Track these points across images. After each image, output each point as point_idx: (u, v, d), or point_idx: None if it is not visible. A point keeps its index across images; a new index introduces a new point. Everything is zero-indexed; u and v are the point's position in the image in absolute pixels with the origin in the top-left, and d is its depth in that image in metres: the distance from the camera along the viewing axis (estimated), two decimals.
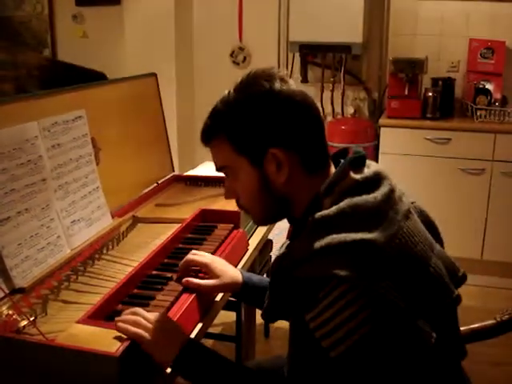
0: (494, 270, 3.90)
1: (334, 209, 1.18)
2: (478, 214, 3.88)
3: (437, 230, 1.36)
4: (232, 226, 2.03)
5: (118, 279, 1.60)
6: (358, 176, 1.23)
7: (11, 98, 1.74)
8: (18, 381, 1.27)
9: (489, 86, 4.00)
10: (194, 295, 1.54)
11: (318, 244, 1.15)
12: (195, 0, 4.60)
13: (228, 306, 2.52)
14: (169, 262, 1.75)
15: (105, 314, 1.42)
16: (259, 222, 1.44)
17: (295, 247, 1.22)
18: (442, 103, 3.99)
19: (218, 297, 1.70)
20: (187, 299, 1.52)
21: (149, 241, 1.90)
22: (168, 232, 1.92)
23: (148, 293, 1.55)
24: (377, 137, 4.07)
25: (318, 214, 1.19)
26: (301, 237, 1.21)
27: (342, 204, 1.18)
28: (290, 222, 1.37)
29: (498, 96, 3.98)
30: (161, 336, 1.31)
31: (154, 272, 1.68)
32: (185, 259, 1.64)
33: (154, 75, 2.50)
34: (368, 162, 1.30)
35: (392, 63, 3.98)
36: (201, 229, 2.01)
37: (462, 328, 1.60)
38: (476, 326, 1.76)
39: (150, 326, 1.32)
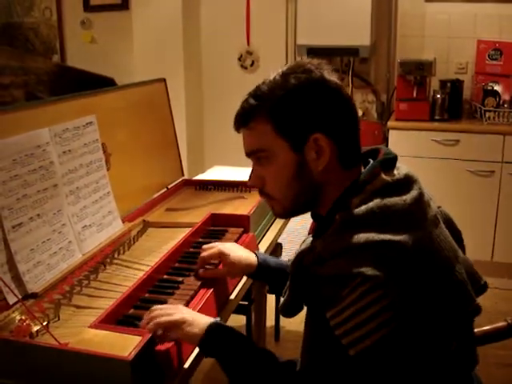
0: (505, 271, 3.89)
1: (363, 208, 1.18)
2: (488, 215, 3.87)
3: (460, 236, 1.35)
4: (242, 229, 2.04)
5: (129, 284, 1.60)
6: (388, 178, 1.23)
7: (22, 105, 1.76)
8: None
9: (497, 88, 3.98)
10: (205, 299, 1.55)
11: (344, 242, 1.15)
12: (203, 5, 4.61)
13: (238, 310, 2.52)
14: (179, 267, 1.76)
15: (117, 319, 1.43)
16: (282, 212, 1.35)
17: (320, 244, 1.21)
18: (450, 105, 3.99)
19: (233, 295, 1.77)
20: (198, 303, 1.53)
21: (159, 245, 1.92)
22: (178, 236, 1.93)
23: (159, 297, 1.56)
24: (385, 139, 4.07)
25: (347, 213, 1.19)
26: (327, 234, 1.21)
27: (372, 204, 1.18)
28: (313, 218, 1.38)
29: (506, 97, 3.96)
30: (187, 319, 1.34)
31: (165, 276, 1.69)
32: (199, 259, 1.68)
33: (163, 80, 2.51)
34: (398, 164, 1.29)
35: (400, 65, 3.98)
36: (211, 233, 2.02)
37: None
38: (487, 328, 1.75)
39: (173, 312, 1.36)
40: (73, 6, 4.72)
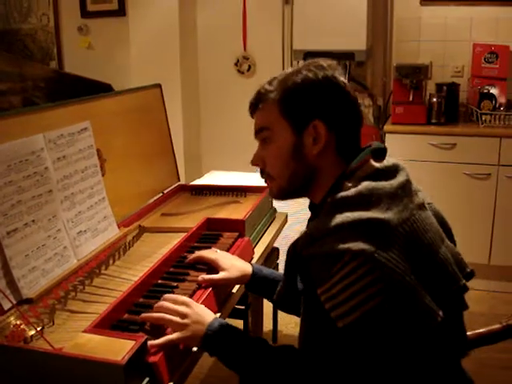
0: (502, 274, 3.89)
1: (352, 190, 1.26)
2: (485, 218, 3.87)
3: (451, 233, 1.42)
4: (237, 234, 2.04)
5: (124, 289, 1.61)
6: (377, 164, 1.32)
7: (17, 111, 1.76)
8: None
9: (493, 91, 3.99)
10: (204, 297, 1.59)
11: (333, 222, 1.22)
12: (199, 10, 4.62)
13: (235, 314, 2.53)
14: (174, 271, 1.76)
15: (111, 323, 1.43)
16: (279, 193, 1.44)
17: (312, 226, 1.29)
18: (446, 108, 3.99)
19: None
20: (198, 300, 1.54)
21: (155, 250, 1.92)
22: (174, 241, 1.93)
23: (154, 302, 1.56)
24: (382, 143, 4.08)
25: (337, 195, 1.27)
26: (318, 217, 1.29)
27: (360, 187, 1.26)
28: (310, 209, 1.45)
29: (502, 100, 3.97)
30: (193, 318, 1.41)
31: (160, 281, 1.69)
32: (194, 255, 1.76)
33: (159, 86, 2.52)
34: (388, 157, 1.37)
35: (396, 69, 3.98)
36: (206, 237, 2.03)
37: (468, 333, 1.61)
38: (482, 330, 1.76)
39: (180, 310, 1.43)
40: (70, 12, 4.73)
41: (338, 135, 1.35)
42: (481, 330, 1.76)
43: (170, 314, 1.42)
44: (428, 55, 4.21)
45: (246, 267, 1.72)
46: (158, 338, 1.37)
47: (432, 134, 3.90)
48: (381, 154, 1.36)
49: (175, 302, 1.46)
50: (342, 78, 1.37)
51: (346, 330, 1.16)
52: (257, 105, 1.41)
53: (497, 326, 1.78)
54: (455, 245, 1.40)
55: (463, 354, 1.40)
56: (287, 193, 1.43)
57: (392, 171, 1.31)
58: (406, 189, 1.29)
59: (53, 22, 4.80)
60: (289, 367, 1.32)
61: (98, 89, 4.29)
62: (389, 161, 1.34)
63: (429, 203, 1.37)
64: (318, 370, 1.25)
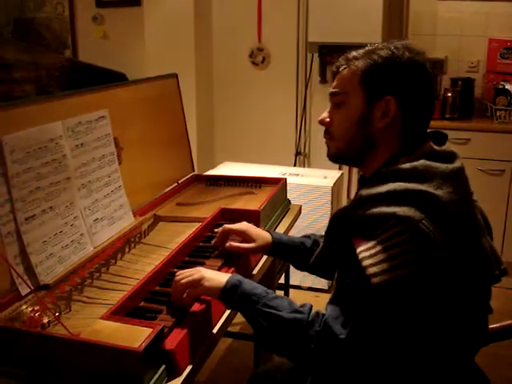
0: None
1: (407, 164, 1.31)
2: (498, 214, 3.86)
3: (490, 231, 1.44)
4: None
5: (139, 277, 1.62)
6: (436, 147, 1.37)
7: (36, 99, 1.77)
8: (43, 374, 1.29)
9: (508, 87, 3.97)
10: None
11: (385, 188, 1.28)
12: (214, 1, 4.61)
13: None
14: (190, 260, 1.77)
15: (128, 311, 1.44)
16: (336, 153, 1.48)
17: (363, 192, 1.35)
18: (461, 103, 3.98)
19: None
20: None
21: (170, 239, 1.93)
22: (189, 231, 1.94)
23: (170, 290, 1.57)
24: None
25: (392, 166, 1.33)
26: (370, 184, 1.34)
27: (416, 162, 1.31)
28: (360, 182, 1.49)
29: None
30: (209, 276, 1.46)
31: (175, 270, 1.70)
32: (222, 228, 1.81)
33: (175, 76, 2.52)
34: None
35: None
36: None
37: None
38: (494, 326, 1.76)
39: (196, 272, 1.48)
40: (85, 2, 4.73)
41: (407, 116, 1.38)
42: (492, 326, 1.76)
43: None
44: (443, 50, 4.20)
45: (267, 236, 1.79)
46: (175, 324, 1.38)
47: (446, 128, 3.82)
48: (441, 140, 1.41)
49: (182, 273, 1.50)
50: (427, 65, 1.39)
51: (378, 288, 1.20)
52: (340, 68, 1.45)
53: (509, 322, 1.78)
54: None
55: (479, 348, 1.41)
56: (342, 155, 1.47)
57: (449, 156, 1.35)
58: (460, 175, 1.33)
59: (68, 11, 4.79)
60: (311, 330, 1.31)
61: (112, 78, 4.31)
62: (448, 147, 1.38)
63: (475, 200, 1.39)
64: (340, 337, 1.26)
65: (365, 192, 1.33)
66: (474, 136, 3.83)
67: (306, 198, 3.53)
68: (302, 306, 1.37)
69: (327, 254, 1.52)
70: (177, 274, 1.50)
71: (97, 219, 1.81)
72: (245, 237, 1.78)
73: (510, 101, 3.92)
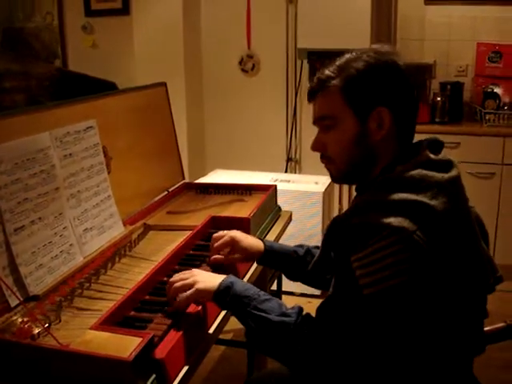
0: (506, 273, 3.87)
1: (404, 173, 1.31)
2: (489, 218, 3.80)
3: (486, 237, 1.47)
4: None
5: (130, 286, 1.61)
6: (432, 155, 1.35)
7: (23, 110, 1.77)
8: None
9: (497, 90, 4.00)
10: None
11: (381, 197, 1.27)
12: (203, 9, 4.62)
13: None
14: (180, 269, 1.76)
15: (117, 320, 1.44)
16: (339, 176, 1.47)
17: (360, 200, 1.36)
18: (450, 107, 4.00)
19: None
20: None
21: (160, 248, 1.93)
22: (179, 239, 1.94)
23: (160, 299, 1.57)
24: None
25: (389, 175, 1.33)
26: (367, 193, 1.34)
27: (413, 171, 1.30)
28: (357, 190, 1.48)
29: (506, 100, 3.98)
30: (202, 277, 1.48)
31: (166, 278, 1.69)
32: (210, 244, 1.77)
33: (164, 84, 2.52)
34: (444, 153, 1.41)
35: None
36: (211, 235, 2.02)
37: None
38: (486, 328, 1.76)
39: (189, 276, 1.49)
40: (74, 11, 4.73)
41: (400, 121, 1.38)
42: (485, 329, 1.76)
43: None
44: (432, 54, 4.22)
45: (259, 244, 1.77)
46: (165, 334, 1.38)
47: (436, 132, 3.83)
48: (438, 148, 1.40)
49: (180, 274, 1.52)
50: (402, 63, 1.39)
51: (370, 298, 1.21)
52: (317, 91, 1.42)
53: (501, 325, 1.78)
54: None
55: (476, 353, 1.43)
56: (346, 176, 1.46)
57: (445, 165, 1.35)
58: (456, 184, 1.33)
59: (57, 21, 4.79)
60: (298, 333, 1.32)
61: (102, 87, 4.30)
62: (444, 156, 1.38)
63: (471, 206, 1.41)
64: (329, 340, 1.27)
65: (361, 200, 1.33)
66: (464, 140, 3.85)
67: (298, 204, 3.54)
68: (291, 308, 1.38)
69: (324, 262, 1.52)
70: (173, 276, 1.52)
71: (86, 229, 1.80)
72: (233, 247, 1.74)
73: (499, 104, 3.94)
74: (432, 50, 4.27)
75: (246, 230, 2.04)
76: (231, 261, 1.76)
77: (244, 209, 2.28)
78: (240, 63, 4.62)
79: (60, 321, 1.48)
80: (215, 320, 1.60)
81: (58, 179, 1.71)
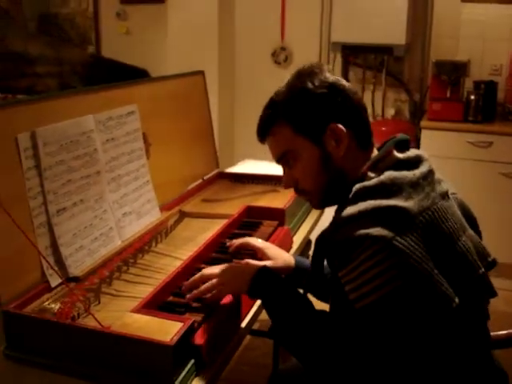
0: None
1: (375, 180, 1.29)
2: None
3: (475, 223, 1.44)
4: (277, 223, 2.05)
5: (166, 271, 1.63)
6: (400, 155, 1.34)
7: (65, 93, 1.78)
8: (74, 366, 1.30)
9: None
10: None
11: (355, 209, 1.25)
12: (238, 0, 4.62)
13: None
14: (216, 257, 1.78)
15: (157, 305, 1.45)
16: (318, 203, 1.48)
17: (336, 215, 1.34)
18: (484, 106, 3.96)
19: None
20: None
21: (196, 235, 1.94)
22: (214, 227, 1.95)
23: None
24: (417, 139, 4.05)
25: (360, 184, 1.30)
26: (343, 206, 1.31)
27: (382, 176, 1.29)
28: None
29: None
30: (229, 275, 1.49)
31: (203, 265, 1.71)
32: (241, 241, 1.76)
33: (202, 73, 2.53)
34: (412, 148, 1.40)
35: (435, 65, 3.95)
36: (246, 225, 2.04)
37: (499, 333, 1.62)
38: (502, 333, 1.72)
39: (216, 271, 1.51)
40: None
41: (355, 128, 1.38)
42: (500, 333, 1.73)
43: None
44: (466, 52, 4.17)
45: (290, 259, 1.71)
46: (204, 320, 1.39)
47: (469, 131, 3.86)
48: (404, 145, 1.39)
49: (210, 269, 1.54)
50: (330, 75, 1.39)
51: (363, 311, 1.20)
52: (266, 131, 1.43)
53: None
54: (480, 235, 1.44)
55: (487, 341, 1.42)
56: (325, 202, 1.46)
57: (415, 162, 1.34)
58: (429, 178, 1.32)
59: (92, 7, 4.82)
60: (321, 333, 1.32)
61: (134, 74, 4.32)
62: (412, 152, 1.37)
63: (453, 193, 1.40)
64: (345, 345, 1.27)
65: (338, 215, 1.31)
66: (497, 139, 3.80)
67: None
68: (320, 311, 1.39)
69: (316, 278, 1.51)
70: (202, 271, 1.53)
71: (125, 213, 1.82)
72: (261, 256, 1.69)
73: None
74: (467, 48, 4.21)
75: (281, 221, 2.05)
76: None
77: (277, 199, 2.28)
78: (273, 55, 4.61)
79: (99, 303, 1.49)
80: (252, 307, 1.61)
81: (99, 163, 1.72)
